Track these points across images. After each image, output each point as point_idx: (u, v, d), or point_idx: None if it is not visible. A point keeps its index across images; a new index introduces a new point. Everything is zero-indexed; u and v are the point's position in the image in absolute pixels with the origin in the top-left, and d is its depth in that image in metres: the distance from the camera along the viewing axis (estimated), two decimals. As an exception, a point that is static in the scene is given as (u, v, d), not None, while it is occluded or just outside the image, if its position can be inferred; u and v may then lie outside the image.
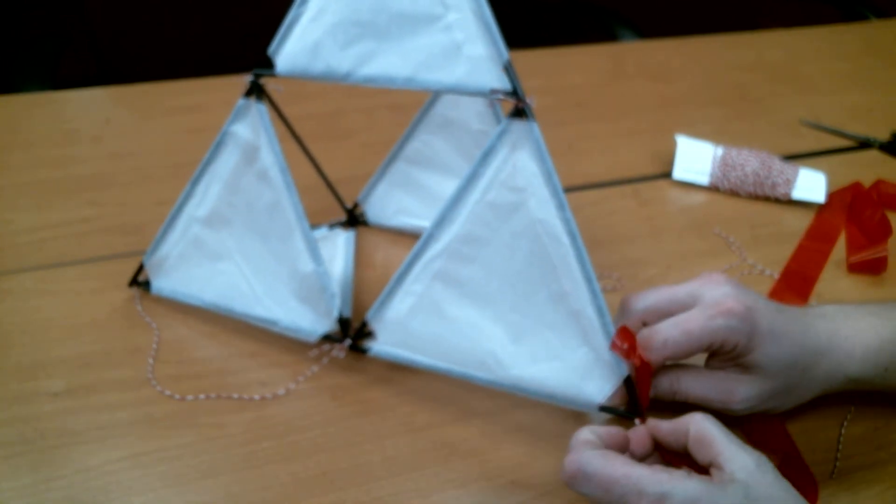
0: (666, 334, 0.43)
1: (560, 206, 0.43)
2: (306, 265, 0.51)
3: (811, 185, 0.74)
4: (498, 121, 0.57)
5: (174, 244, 0.56)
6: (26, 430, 0.47)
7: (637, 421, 0.43)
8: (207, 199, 0.54)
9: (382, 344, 0.50)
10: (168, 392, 0.51)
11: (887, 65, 1.09)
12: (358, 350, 0.51)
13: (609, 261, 0.65)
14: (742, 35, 1.15)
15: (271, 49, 0.48)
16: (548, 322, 0.45)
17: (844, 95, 0.99)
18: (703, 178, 0.77)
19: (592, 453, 0.38)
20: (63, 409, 0.49)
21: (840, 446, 0.49)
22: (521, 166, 0.43)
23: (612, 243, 0.68)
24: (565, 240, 0.43)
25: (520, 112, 0.43)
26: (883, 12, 1.31)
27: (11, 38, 1.33)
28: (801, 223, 0.72)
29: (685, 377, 0.46)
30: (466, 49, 0.44)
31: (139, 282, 0.58)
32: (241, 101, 0.50)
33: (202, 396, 0.50)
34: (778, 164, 0.75)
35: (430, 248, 0.47)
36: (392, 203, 0.66)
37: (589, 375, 0.45)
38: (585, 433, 0.40)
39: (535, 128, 0.43)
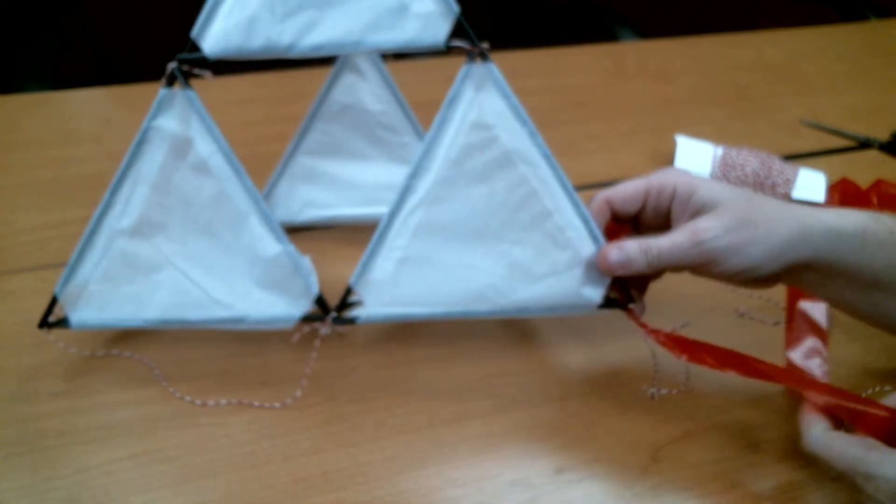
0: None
1: (532, 134, 0.46)
2: (270, 248, 0.48)
3: (811, 185, 0.74)
4: (397, 100, 0.59)
5: (94, 266, 0.49)
6: (26, 430, 0.48)
7: (631, 307, 0.48)
8: (132, 207, 0.48)
9: (371, 308, 0.49)
10: (171, 390, 0.51)
11: (887, 65, 1.09)
12: (345, 322, 0.50)
13: (609, 261, 0.65)
14: (742, 35, 1.15)
15: (194, 32, 0.45)
16: (538, 243, 0.47)
17: (844, 95, 0.99)
18: (703, 178, 0.77)
19: (819, 434, 0.43)
20: (63, 409, 0.49)
21: (840, 446, 0.49)
22: (488, 105, 0.45)
23: (612, 243, 0.68)
24: (541, 162, 0.46)
25: (474, 56, 0.45)
26: (883, 12, 1.31)
27: (11, 38, 1.33)
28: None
29: (653, 241, 0.46)
30: (415, 7, 0.44)
31: (50, 322, 0.51)
32: (162, 92, 0.46)
33: (198, 402, 0.50)
34: (778, 164, 0.75)
35: (408, 201, 0.47)
36: (297, 198, 0.64)
37: (585, 281, 0.48)
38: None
39: (494, 68, 0.45)
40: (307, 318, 0.50)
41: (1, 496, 0.44)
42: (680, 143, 0.79)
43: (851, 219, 0.46)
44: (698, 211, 0.46)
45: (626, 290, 0.49)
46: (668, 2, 1.65)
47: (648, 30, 1.23)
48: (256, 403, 0.50)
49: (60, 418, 0.48)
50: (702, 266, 0.46)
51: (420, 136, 0.61)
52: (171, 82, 0.46)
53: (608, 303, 0.49)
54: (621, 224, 0.51)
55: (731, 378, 0.54)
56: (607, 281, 0.48)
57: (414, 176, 0.46)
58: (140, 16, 1.25)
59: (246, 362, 0.53)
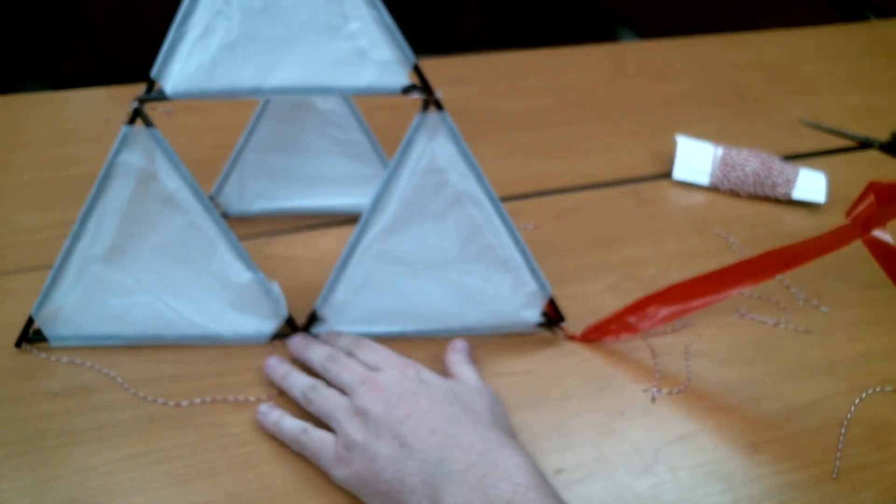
0: None
1: (478, 178, 0.49)
2: (240, 276, 0.51)
3: (811, 185, 0.74)
4: (345, 98, 0.62)
5: (69, 290, 0.51)
6: (26, 430, 0.48)
7: (563, 324, 0.56)
8: (103, 235, 0.50)
9: (334, 325, 0.54)
10: (168, 391, 0.51)
11: (887, 65, 1.09)
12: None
13: (609, 261, 0.65)
14: (742, 35, 1.15)
15: (154, 72, 0.45)
16: (483, 272, 0.53)
17: (844, 95, 0.99)
18: (703, 179, 0.77)
19: None
20: (63, 409, 0.49)
21: (840, 446, 0.49)
22: (440, 151, 0.48)
23: (612, 243, 0.68)
24: (486, 202, 0.50)
25: (429, 105, 0.47)
26: (883, 12, 1.31)
27: (11, 38, 1.33)
28: (801, 223, 0.72)
29: None
30: (372, 54, 0.46)
31: (30, 338, 0.53)
32: (124, 129, 0.46)
33: (197, 401, 0.50)
34: (778, 164, 0.75)
35: (367, 234, 0.51)
36: (248, 192, 0.66)
37: (524, 305, 0.54)
38: None
39: (447, 117, 0.47)
40: (277, 336, 0.54)
41: (1, 496, 0.44)
42: (680, 143, 0.79)
43: None
44: None
45: (557, 311, 0.56)
46: (668, 2, 1.65)
47: (648, 30, 1.23)
48: (252, 398, 0.50)
49: (60, 418, 0.48)
50: None
51: (366, 132, 0.64)
52: (132, 120, 0.46)
53: (545, 323, 0.56)
54: None
55: (731, 378, 0.54)
56: (542, 303, 0.55)
57: (373, 211, 0.50)
58: (140, 16, 1.25)
59: (246, 363, 0.53)
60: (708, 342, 0.57)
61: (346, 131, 0.64)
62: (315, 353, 0.51)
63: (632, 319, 0.55)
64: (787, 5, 1.51)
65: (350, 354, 0.50)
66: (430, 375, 0.48)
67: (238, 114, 0.66)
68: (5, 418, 0.48)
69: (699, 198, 0.76)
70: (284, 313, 0.53)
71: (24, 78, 0.99)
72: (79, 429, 0.48)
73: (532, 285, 0.54)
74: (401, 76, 0.46)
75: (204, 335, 0.53)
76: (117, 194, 0.48)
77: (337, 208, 0.67)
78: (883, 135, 0.87)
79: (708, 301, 0.53)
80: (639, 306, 0.55)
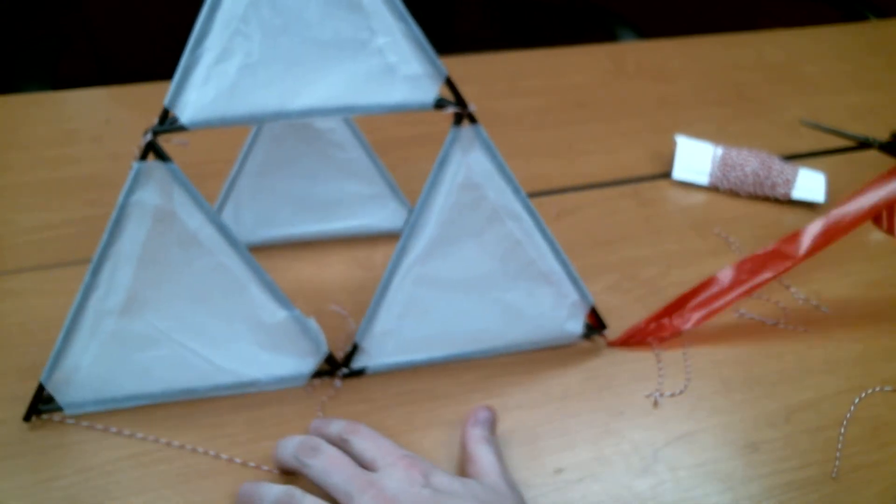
0: None
1: (516, 191, 0.48)
2: (274, 315, 0.48)
3: (811, 185, 0.74)
4: (344, 118, 0.59)
5: (83, 349, 0.46)
6: (26, 430, 0.47)
7: (606, 332, 0.55)
8: (118, 286, 0.45)
9: (377, 358, 0.52)
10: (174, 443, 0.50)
11: (887, 65, 1.09)
12: (354, 374, 0.52)
13: (609, 261, 0.65)
14: (742, 35, 1.15)
15: (167, 101, 0.42)
16: (525, 288, 0.52)
17: (844, 95, 0.99)
18: (703, 178, 0.77)
19: None
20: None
21: (840, 446, 0.49)
22: (475, 166, 0.47)
23: (612, 243, 0.68)
24: (526, 216, 0.49)
25: (461, 118, 0.45)
26: (883, 12, 1.31)
27: (11, 38, 1.33)
28: (800, 223, 0.72)
29: None
30: (402, 69, 0.43)
31: (41, 409, 0.48)
32: (136, 166, 0.42)
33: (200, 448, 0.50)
34: (778, 164, 0.75)
35: (406, 258, 0.48)
36: (245, 220, 0.62)
37: (567, 317, 0.53)
38: None
39: (481, 130, 0.46)
40: (317, 374, 0.51)
41: (1, 496, 0.44)
42: (680, 143, 0.79)
43: None
44: None
45: (599, 319, 0.55)
46: (668, 2, 1.65)
47: (648, 30, 1.23)
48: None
49: (60, 418, 0.48)
50: None
51: (367, 149, 0.61)
52: (145, 155, 0.42)
53: (590, 331, 0.55)
54: None
55: (731, 378, 0.54)
56: (584, 313, 0.54)
57: (410, 236, 0.48)
58: (140, 16, 1.25)
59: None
60: (708, 342, 0.57)
61: (346, 150, 0.61)
62: (287, 442, 0.43)
63: (668, 321, 0.56)
64: (787, 5, 1.51)
65: (343, 440, 0.43)
66: (443, 478, 0.40)
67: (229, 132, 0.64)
68: (5, 418, 0.48)
69: (699, 198, 0.76)
70: (325, 349, 0.50)
71: (24, 78, 0.99)
72: (79, 429, 0.48)
73: (573, 296, 0.53)
74: (432, 91, 0.44)
75: (238, 382, 0.50)
76: (132, 238, 0.44)
77: (340, 232, 0.65)
78: (882, 135, 0.87)
79: (746, 291, 0.54)
80: (676, 306, 0.56)
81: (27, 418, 0.47)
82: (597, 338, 0.56)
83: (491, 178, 0.47)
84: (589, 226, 0.70)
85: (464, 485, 0.40)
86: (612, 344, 0.56)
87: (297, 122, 0.58)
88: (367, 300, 0.48)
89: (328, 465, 0.40)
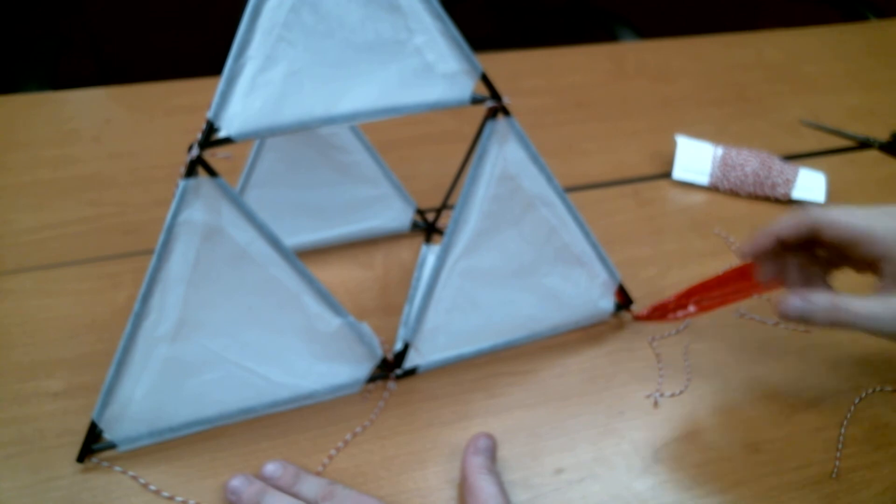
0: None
1: (549, 179, 0.50)
2: (329, 323, 0.47)
3: (811, 185, 0.74)
4: None
5: (136, 380, 0.44)
6: (26, 430, 0.48)
7: (633, 306, 0.58)
8: (169, 311, 0.43)
9: (427, 355, 0.52)
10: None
11: (887, 65, 1.09)
12: (407, 374, 0.52)
13: (609, 261, 0.65)
14: (742, 35, 1.15)
15: (211, 114, 0.40)
16: (562, 271, 0.54)
17: (844, 95, 0.99)
18: (703, 178, 0.77)
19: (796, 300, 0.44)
20: (63, 409, 0.49)
21: (840, 446, 0.49)
22: (511, 157, 0.48)
23: (612, 243, 0.67)
24: (558, 202, 0.51)
25: (496, 112, 0.47)
26: (883, 12, 1.31)
27: (11, 38, 1.33)
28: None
29: (846, 302, 0.43)
30: (440, 68, 0.44)
31: (94, 448, 0.46)
32: (182, 184, 0.40)
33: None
34: (778, 164, 0.75)
35: (451, 253, 0.49)
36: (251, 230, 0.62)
37: (600, 295, 0.56)
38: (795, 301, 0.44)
39: (514, 122, 0.47)
40: (372, 379, 0.51)
41: (1, 496, 0.44)
42: (680, 143, 0.79)
43: None
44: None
45: (626, 294, 0.57)
46: (668, 2, 1.65)
47: (648, 30, 1.23)
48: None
49: (60, 418, 0.48)
50: None
51: (370, 151, 0.61)
52: (192, 171, 0.40)
53: (618, 308, 0.58)
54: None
55: (731, 378, 0.54)
56: (613, 290, 0.56)
57: (454, 231, 0.48)
58: (140, 16, 1.25)
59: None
60: (708, 342, 0.57)
61: (350, 153, 0.60)
62: None
63: (686, 302, 0.56)
64: (787, 5, 1.51)
65: None
66: None
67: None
68: (5, 418, 0.48)
69: (699, 198, 0.76)
70: (379, 353, 0.50)
71: (24, 78, 0.99)
72: (79, 429, 0.47)
73: (603, 275, 0.55)
74: (468, 87, 0.45)
75: (297, 396, 0.49)
76: (181, 260, 0.42)
77: (349, 236, 0.64)
78: (883, 135, 0.87)
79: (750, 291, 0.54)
80: (695, 291, 0.56)
81: (80, 459, 0.45)
82: (623, 314, 0.58)
83: (525, 167, 0.49)
84: (589, 226, 0.70)
85: None
86: (638, 318, 0.58)
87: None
88: (368, 300, 0.48)
89: None
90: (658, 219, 0.72)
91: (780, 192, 0.74)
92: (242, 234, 0.43)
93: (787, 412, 0.51)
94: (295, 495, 0.43)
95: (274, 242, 0.44)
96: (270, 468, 0.44)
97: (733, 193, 0.76)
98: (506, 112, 0.47)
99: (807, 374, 0.55)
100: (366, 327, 0.49)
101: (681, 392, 0.53)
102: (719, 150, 0.77)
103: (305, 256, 0.64)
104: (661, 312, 0.57)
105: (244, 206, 0.42)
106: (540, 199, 0.50)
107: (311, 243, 0.64)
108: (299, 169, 0.60)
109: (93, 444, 0.45)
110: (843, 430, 0.50)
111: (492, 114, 0.46)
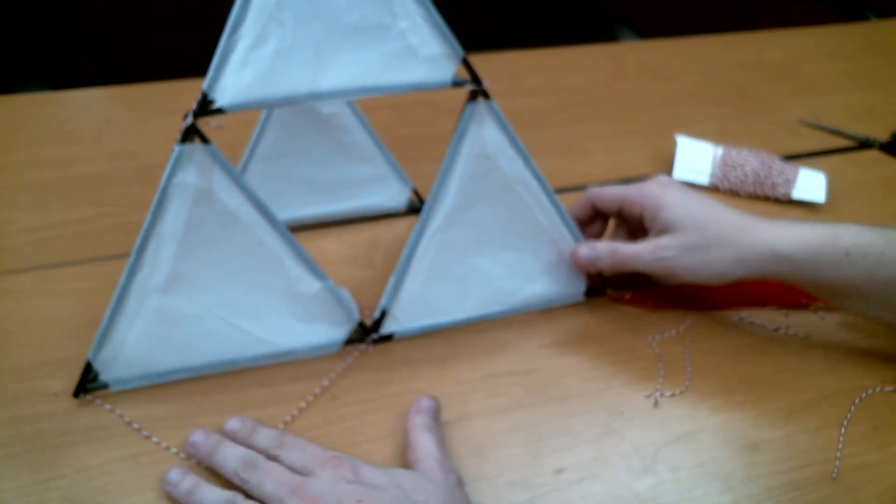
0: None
1: (526, 161, 0.53)
2: (310, 286, 0.50)
3: (811, 185, 0.74)
4: (348, 102, 0.62)
5: (128, 326, 0.48)
6: (26, 430, 0.47)
7: (608, 291, 0.60)
8: (161, 264, 0.47)
9: (404, 322, 0.54)
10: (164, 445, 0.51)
11: (887, 65, 1.09)
12: (383, 339, 0.54)
13: (609, 261, 0.65)
14: (742, 35, 1.15)
15: (206, 85, 0.43)
16: (534, 250, 0.57)
17: (844, 95, 0.99)
18: (704, 178, 0.77)
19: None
20: (63, 409, 0.49)
21: (840, 446, 0.49)
22: (489, 138, 0.51)
23: (612, 243, 0.68)
24: (535, 184, 0.54)
25: (476, 95, 0.49)
26: (883, 12, 1.31)
27: (11, 38, 1.33)
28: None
29: (621, 247, 0.55)
30: (423, 51, 0.47)
31: (89, 387, 0.49)
32: (178, 149, 0.44)
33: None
34: (778, 164, 0.75)
35: (429, 227, 0.52)
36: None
37: (571, 277, 0.59)
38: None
39: (494, 105, 0.50)
40: (349, 341, 0.54)
41: (1, 496, 0.44)
42: (680, 143, 0.79)
43: (803, 243, 0.50)
44: (664, 229, 0.53)
45: (602, 279, 0.60)
46: (667, 2, 1.65)
47: (648, 30, 1.23)
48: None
49: (60, 418, 0.48)
50: (663, 276, 0.55)
51: (370, 133, 0.64)
52: (186, 138, 0.44)
53: (591, 291, 0.60)
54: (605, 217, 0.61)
55: (731, 378, 0.54)
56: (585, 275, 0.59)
57: (432, 206, 0.51)
58: (140, 16, 1.25)
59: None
60: (708, 342, 0.57)
61: (351, 134, 0.63)
62: (228, 457, 0.44)
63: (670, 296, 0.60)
64: (786, 5, 1.51)
65: (271, 456, 0.44)
66: (369, 472, 0.42)
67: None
68: (5, 418, 0.48)
69: (699, 198, 0.76)
70: (357, 317, 0.53)
71: (24, 78, 0.99)
72: (79, 429, 0.48)
73: None
74: (449, 70, 0.48)
75: (277, 352, 0.52)
76: (174, 219, 0.46)
77: (347, 212, 0.67)
78: (883, 135, 0.87)
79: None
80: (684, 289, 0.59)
81: (76, 395, 0.49)
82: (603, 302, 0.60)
83: (503, 148, 0.51)
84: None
85: (389, 475, 0.42)
86: (615, 300, 0.60)
87: (303, 108, 0.61)
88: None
89: (263, 476, 0.42)
90: (658, 219, 0.72)
91: (780, 192, 0.74)
92: (232, 198, 0.46)
93: (786, 412, 0.51)
94: (250, 446, 0.45)
95: (261, 208, 0.47)
96: (230, 424, 0.47)
97: (733, 193, 0.76)
98: (486, 95, 0.49)
99: (807, 374, 0.55)
100: (345, 292, 0.52)
101: (681, 392, 0.53)
102: (719, 150, 0.77)
103: (305, 230, 0.66)
104: (641, 300, 0.59)
105: (234, 172, 0.45)
106: (516, 180, 0.53)
107: (311, 217, 0.66)
108: (301, 146, 0.63)
109: (88, 383, 0.49)
110: (843, 430, 0.50)
111: (472, 97, 0.49)
